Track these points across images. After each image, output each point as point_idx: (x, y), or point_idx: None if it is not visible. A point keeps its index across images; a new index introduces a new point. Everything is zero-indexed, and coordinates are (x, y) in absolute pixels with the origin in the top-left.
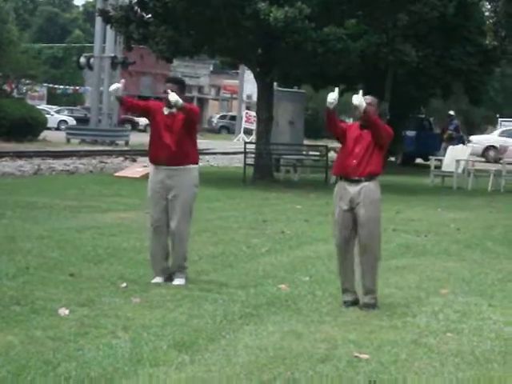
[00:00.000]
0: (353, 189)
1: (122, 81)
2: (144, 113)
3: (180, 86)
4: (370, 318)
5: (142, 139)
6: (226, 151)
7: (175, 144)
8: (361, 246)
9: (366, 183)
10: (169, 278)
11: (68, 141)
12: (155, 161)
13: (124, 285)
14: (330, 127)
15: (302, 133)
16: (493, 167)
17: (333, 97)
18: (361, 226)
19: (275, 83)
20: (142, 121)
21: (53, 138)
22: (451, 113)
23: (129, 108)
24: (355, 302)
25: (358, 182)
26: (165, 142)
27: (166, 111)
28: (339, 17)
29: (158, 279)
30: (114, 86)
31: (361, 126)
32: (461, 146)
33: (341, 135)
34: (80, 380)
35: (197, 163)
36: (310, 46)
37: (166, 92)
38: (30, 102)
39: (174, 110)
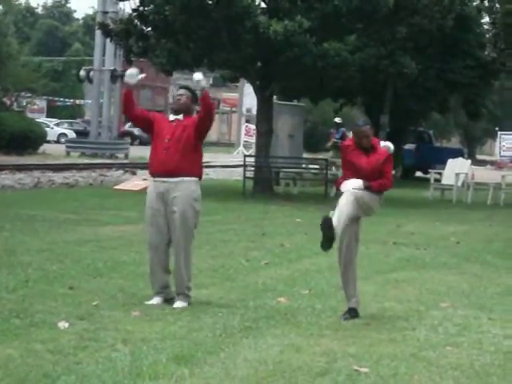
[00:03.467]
0: None
1: (143, 75)
2: (147, 122)
3: (193, 96)
4: (369, 332)
5: (141, 152)
6: (226, 164)
7: (181, 153)
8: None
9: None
10: (167, 300)
11: (68, 154)
12: (158, 172)
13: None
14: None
15: (302, 146)
16: (492, 181)
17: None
18: None
19: (275, 96)
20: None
21: (52, 151)
22: (338, 120)
23: (132, 111)
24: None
25: None
26: (170, 151)
27: (171, 117)
28: (339, 30)
29: (156, 300)
30: (132, 71)
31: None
32: (460, 159)
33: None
34: None
35: (200, 177)
36: (309, 59)
37: (178, 97)
38: (29, 115)
39: (180, 117)
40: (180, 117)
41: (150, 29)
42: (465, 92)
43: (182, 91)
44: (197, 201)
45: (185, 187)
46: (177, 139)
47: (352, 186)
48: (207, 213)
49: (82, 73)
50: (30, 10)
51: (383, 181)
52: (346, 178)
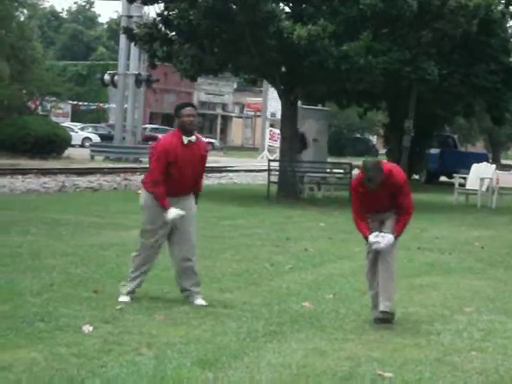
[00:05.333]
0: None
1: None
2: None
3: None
4: (393, 336)
5: None
6: (250, 169)
7: (195, 176)
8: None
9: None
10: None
11: (92, 158)
12: (175, 194)
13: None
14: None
15: (326, 150)
16: None
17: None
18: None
19: (299, 101)
20: None
21: (77, 155)
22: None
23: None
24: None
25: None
26: (187, 174)
27: (185, 140)
28: (362, 34)
29: (127, 298)
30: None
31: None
32: (485, 163)
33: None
34: None
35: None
36: (332, 63)
37: (190, 116)
38: (54, 119)
39: (192, 139)
40: (192, 138)
41: (174, 33)
42: (488, 96)
43: (192, 111)
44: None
45: (191, 199)
46: (193, 163)
47: (385, 245)
48: (231, 217)
49: (107, 77)
50: (54, 14)
51: (404, 218)
52: (359, 212)
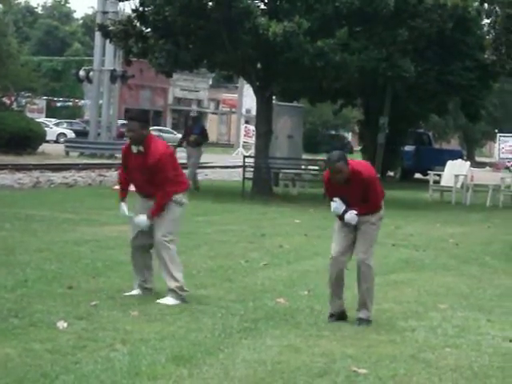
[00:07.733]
0: None
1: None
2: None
3: (143, 124)
4: (368, 333)
5: None
6: (225, 165)
7: (148, 183)
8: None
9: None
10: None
11: (67, 154)
12: (141, 194)
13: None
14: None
15: (301, 147)
16: (491, 182)
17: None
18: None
19: (274, 97)
20: None
21: (51, 150)
22: (194, 113)
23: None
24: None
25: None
26: (138, 182)
27: (134, 149)
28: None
29: (136, 292)
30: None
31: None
32: (460, 160)
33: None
34: None
35: (176, 192)
36: (307, 60)
37: (129, 130)
38: (29, 114)
39: (141, 149)
40: (141, 148)
41: (149, 29)
42: (464, 94)
43: (133, 124)
44: (180, 205)
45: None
46: (142, 172)
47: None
48: (206, 213)
49: (82, 73)
50: (29, 9)
51: (368, 206)
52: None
